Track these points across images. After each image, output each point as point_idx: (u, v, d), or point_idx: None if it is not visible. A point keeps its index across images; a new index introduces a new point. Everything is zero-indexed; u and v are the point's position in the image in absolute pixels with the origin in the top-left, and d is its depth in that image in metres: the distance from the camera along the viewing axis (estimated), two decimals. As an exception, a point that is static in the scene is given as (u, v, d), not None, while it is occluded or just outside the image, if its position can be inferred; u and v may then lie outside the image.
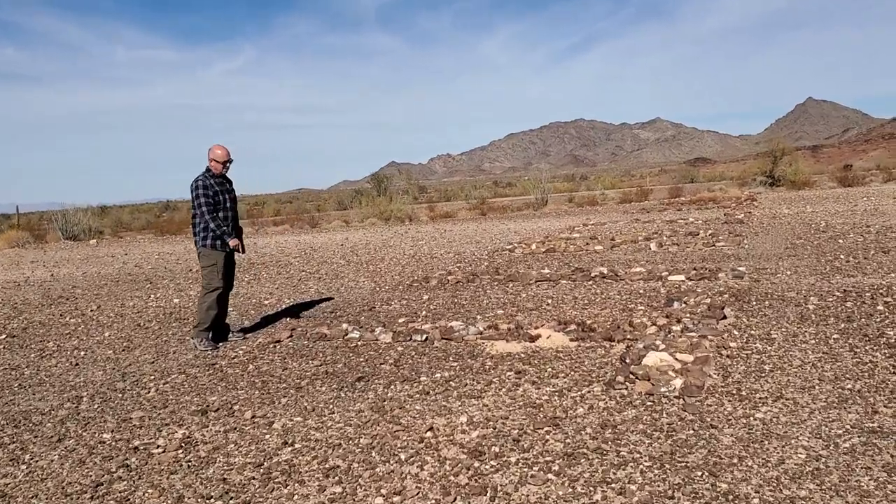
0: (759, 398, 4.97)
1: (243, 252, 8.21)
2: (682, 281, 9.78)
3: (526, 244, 15.24)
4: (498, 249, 15.08)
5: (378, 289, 10.88)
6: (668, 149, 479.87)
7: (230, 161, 8.04)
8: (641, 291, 9.23)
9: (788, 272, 10.03)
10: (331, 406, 5.38)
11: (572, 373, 5.79)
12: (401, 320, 8.32)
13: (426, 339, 7.22)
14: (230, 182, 8.12)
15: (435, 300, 9.55)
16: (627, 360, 5.85)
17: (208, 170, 7.97)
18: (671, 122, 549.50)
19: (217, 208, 7.93)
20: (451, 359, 6.50)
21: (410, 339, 7.27)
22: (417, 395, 5.48)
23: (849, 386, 5.13)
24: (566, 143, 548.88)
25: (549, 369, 5.92)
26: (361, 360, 6.68)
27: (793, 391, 5.07)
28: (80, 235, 33.19)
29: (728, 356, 6.01)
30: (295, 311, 9.46)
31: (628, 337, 6.73)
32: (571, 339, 6.80)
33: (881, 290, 8.22)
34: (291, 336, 7.72)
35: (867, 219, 16.92)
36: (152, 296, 11.78)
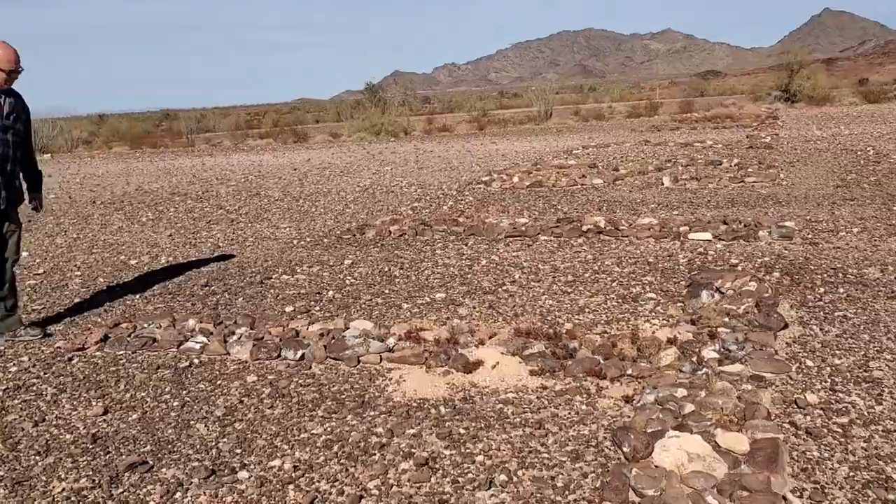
0: None
1: (39, 209, 5.41)
2: (709, 242, 6.95)
3: (508, 174, 12.34)
4: (473, 181, 12.18)
5: (295, 243, 8.07)
6: (678, 61, 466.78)
7: (19, 70, 5.14)
8: (651, 260, 6.41)
9: (855, 229, 7.19)
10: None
11: (518, 475, 3.03)
12: (288, 310, 5.55)
13: (301, 357, 4.46)
14: (17, 100, 5.21)
15: (358, 267, 6.75)
16: (626, 448, 3.10)
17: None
18: (682, 32, 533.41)
19: None
20: (322, 409, 3.77)
21: (279, 355, 4.52)
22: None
23: None
24: (575, 53, 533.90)
25: (479, 457, 3.18)
26: (169, 415, 3.93)
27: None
28: (52, 147, 30.39)
29: (810, 431, 3.26)
30: (155, 281, 6.70)
31: (629, 372, 3.96)
32: (532, 372, 4.03)
33: None
34: (104, 342, 4.95)
35: (925, 145, 13.92)
36: None
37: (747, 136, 17.40)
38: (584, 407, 3.62)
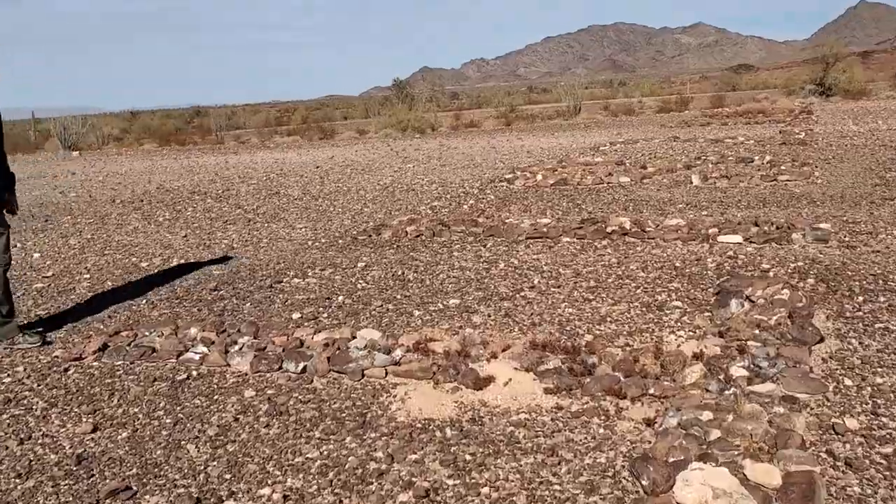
0: None
1: (14, 212, 5.20)
2: (739, 245, 6.62)
3: (532, 172, 12.03)
4: (496, 179, 11.89)
5: (310, 244, 7.85)
6: (710, 55, 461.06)
7: None
8: (678, 264, 6.10)
9: (896, 231, 6.82)
10: None
11: (526, 512, 2.77)
12: (295, 316, 5.32)
13: (303, 369, 4.23)
14: None
15: (372, 270, 6.50)
16: (645, 481, 2.83)
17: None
18: (714, 26, 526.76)
19: None
20: (320, 429, 3.52)
21: (280, 367, 4.29)
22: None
23: None
24: (605, 47, 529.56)
25: (484, 488, 2.92)
26: (160, 434, 3.71)
27: None
28: (82, 144, 30.53)
29: (849, 462, 2.95)
30: (164, 284, 6.51)
31: (651, 391, 3.67)
32: (547, 390, 3.76)
33: None
34: (102, 351, 4.75)
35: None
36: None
37: (780, 132, 16.91)
38: (601, 430, 3.35)
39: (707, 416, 3.30)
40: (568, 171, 11.92)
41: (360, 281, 6.17)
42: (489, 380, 3.86)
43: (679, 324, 4.70)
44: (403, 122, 29.90)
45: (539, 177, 11.37)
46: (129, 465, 3.32)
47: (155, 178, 15.50)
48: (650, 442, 3.19)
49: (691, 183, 10.26)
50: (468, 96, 75.47)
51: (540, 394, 3.73)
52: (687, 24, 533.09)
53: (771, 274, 5.60)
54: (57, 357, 4.75)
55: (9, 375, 4.51)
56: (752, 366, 3.81)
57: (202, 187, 13.40)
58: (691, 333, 4.51)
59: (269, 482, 3.08)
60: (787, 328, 4.30)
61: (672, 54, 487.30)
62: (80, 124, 32.21)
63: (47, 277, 7.02)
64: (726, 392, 3.54)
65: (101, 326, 5.41)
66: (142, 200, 12.08)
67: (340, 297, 5.72)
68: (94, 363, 4.62)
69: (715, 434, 3.13)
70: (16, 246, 8.69)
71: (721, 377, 3.71)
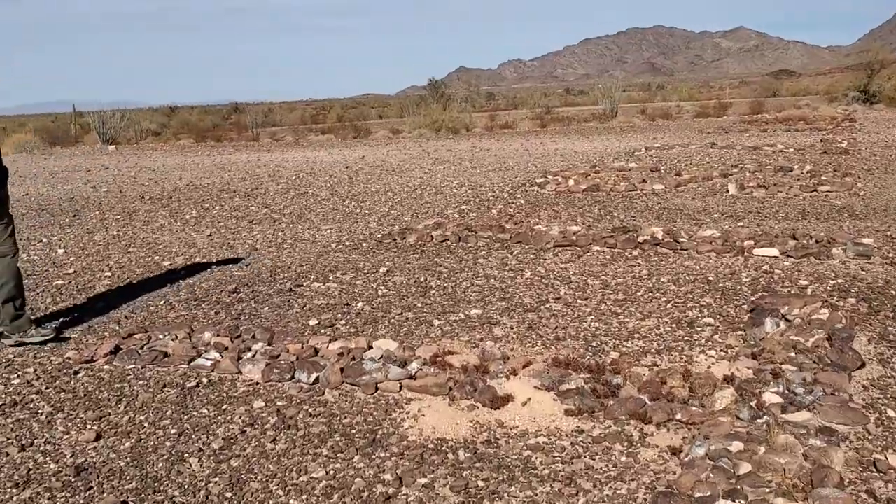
0: None
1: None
2: (776, 259, 6.36)
3: (564, 176, 11.79)
4: (527, 183, 11.68)
5: (334, 246, 7.72)
6: (750, 60, 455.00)
7: None
8: (712, 277, 5.86)
9: (942, 248, 6.51)
10: None
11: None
12: (312, 323, 5.18)
13: (315, 380, 4.08)
14: None
15: (394, 276, 6.35)
16: (668, 519, 2.63)
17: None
18: (755, 31, 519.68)
19: None
20: (328, 446, 3.38)
21: (292, 377, 4.15)
22: None
23: None
24: (644, 50, 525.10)
25: (496, 521, 2.75)
26: (164, 445, 3.59)
27: None
28: (120, 139, 30.78)
29: (893, 503, 2.73)
30: (184, 284, 6.41)
31: (678, 417, 3.46)
32: (568, 412, 3.57)
33: None
34: (114, 354, 4.65)
35: None
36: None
37: (821, 140, 16.48)
38: (623, 458, 3.15)
39: (737, 446, 3.09)
40: (601, 176, 11.68)
41: (381, 287, 6.02)
42: (507, 399, 3.68)
43: (710, 343, 4.48)
44: (438, 123, 29.72)
45: (571, 181, 11.14)
46: (128, 478, 3.19)
47: (186, 175, 15.51)
48: (675, 473, 3.00)
49: (727, 192, 9.97)
50: (504, 97, 75.21)
51: (560, 415, 3.54)
52: (727, 29, 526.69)
53: (809, 291, 5.35)
54: (69, 359, 4.65)
55: (18, 377, 4.42)
56: (786, 392, 3.59)
57: (232, 185, 13.37)
58: (723, 354, 4.29)
59: (271, 503, 2.93)
60: (826, 351, 4.06)
61: (711, 59, 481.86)
62: (118, 119, 32.51)
63: (68, 274, 6.97)
64: (758, 420, 3.33)
65: (117, 327, 5.32)
66: (170, 197, 12.06)
67: (360, 304, 5.57)
68: (106, 366, 4.52)
69: (745, 468, 2.93)
70: (41, 241, 8.68)
71: (753, 403, 3.49)
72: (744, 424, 3.31)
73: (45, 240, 8.76)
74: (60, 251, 8.04)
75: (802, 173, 11.21)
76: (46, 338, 4.93)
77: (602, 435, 3.35)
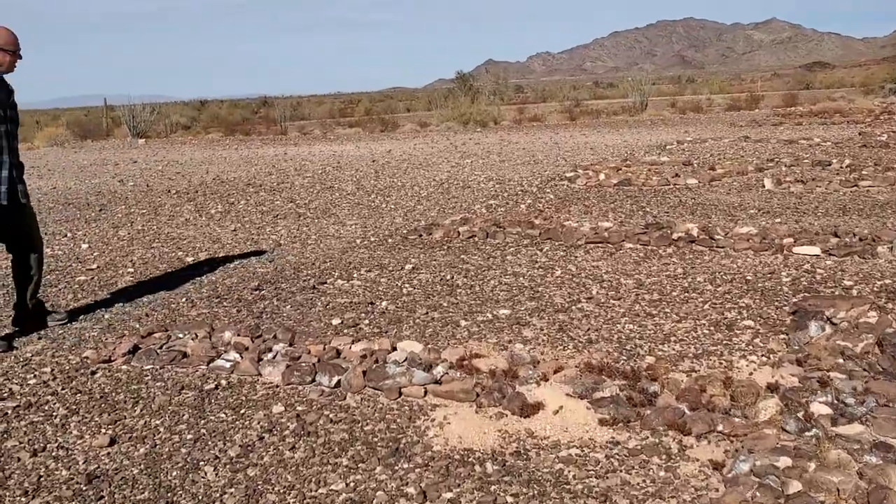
0: None
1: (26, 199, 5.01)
2: (817, 258, 6.10)
3: (595, 170, 11.55)
4: (557, 177, 11.45)
5: (359, 242, 7.57)
6: (783, 52, 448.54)
7: (20, 53, 4.86)
8: (750, 277, 5.63)
9: None
10: None
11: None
12: (335, 322, 5.03)
13: (337, 384, 3.92)
14: (7, 91, 4.90)
15: (420, 273, 6.18)
16: (711, 543, 2.43)
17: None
18: (788, 22, 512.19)
19: None
20: (349, 455, 3.22)
21: (313, 380, 3.99)
22: None
23: None
24: (674, 43, 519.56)
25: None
26: (179, 452, 3.45)
27: None
28: (150, 132, 30.90)
29: (957, 530, 2.51)
30: (207, 281, 6.29)
31: (720, 428, 3.25)
32: (602, 421, 3.37)
33: None
34: (133, 354, 4.53)
35: None
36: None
37: (860, 134, 16.05)
38: (662, 473, 2.96)
39: (785, 462, 2.88)
40: (632, 170, 11.43)
41: (406, 285, 5.85)
42: (538, 406, 3.49)
43: (751, 347, 4.26)
44: (465, 116, 29.50)
45: (602, 176, 10.90)
46: (141, 487, 3.06)
47: (213, 169, 15.47)
48: (717, 490, 2.80)
49: (763, 187, 9.68)
50: (532, 90, 74.72)
51: (594, 425, 3.35)
52: (760, 20, 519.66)
53: (854, 292, 5.10)
54: (87, 358, 4.54)
55: (35, 376, 4.32)
56: (836, 402, 3.37)
57: (258, 179, 13.29)
58: (765, 359, 4.07)
59: (286, 520, 2.78)
60: (877, 358, 3.83)
61: (743, 51, 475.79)
62: (148, 112, 32.63)
63: (91, 270, 6.89)
64: (807, 433, 3.12)
65: (137, 325, 5.21)
66: (196, 191, 11.99)
67: (384, 303, 5.41)
68: (123, 366, 4.40)
69: (794, 486, 2.72)
70: (66, 235, 8.63)
71: (800, 414, 3.28)
72: (791, 437, 3.11)
73: (69, 234, 8.70)
74: (84, 246, 7.98)
75: (841, 167, 10.87)
76: (61, 322, 5.03)
77: (638, 447, 3.16)
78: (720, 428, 3.25)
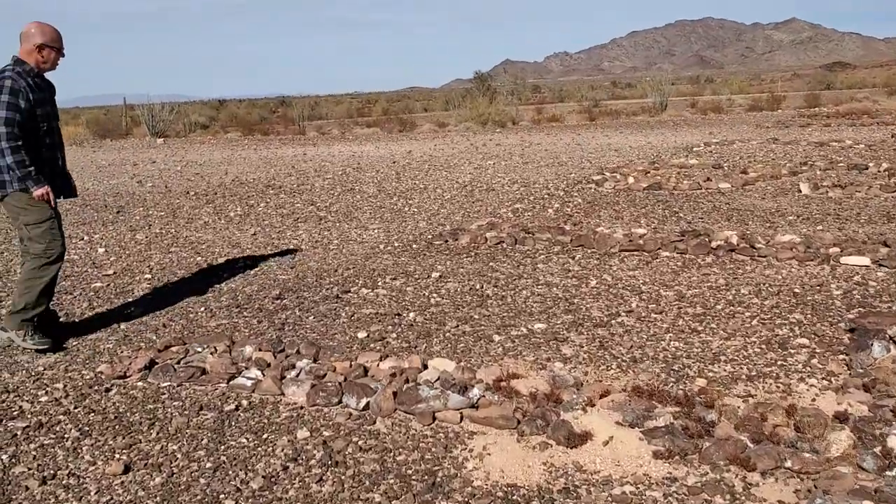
0: None
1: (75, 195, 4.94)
2: (867, 269, 5.78)
3: (623, 173, 11.25)
4: (583, 180, 11.15)
5: (382, 248, 7.31)
6: (803, 52, 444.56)
7: (64, 51, 4.67)
8: (798, 289, 5.32)
9: None
10: None
11: None
12: (361, 335, 4.77)
13: (365, 406, 3.66)
14: (50, 88, 4.72)
15: (447, 282, 5.92)
16: None
17: (19, 63, 4.58)
18: (808, 22, 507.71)
19: (39, 133, 4.62)
20: (381, 490, 2.96)
21: (340, 401, 3.73)
22: None
23: None
24: (692, 43, 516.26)
25: None
26: (197, 482, 3.19)
27: None
28: (169, 132, 30.79)
29: None
30: (226, 289, 6.05)
31: (788, 464, 2.96)
32: (657, 454, 3.09)
33: None
34: (149, 369, 4.29)
35: None
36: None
37: (892, 136, 15.63)
38: (725, 518, 2.67)
39: (862, 506, 2.59)
40: (661, 173, 11.11)
41: (434, 295, 5.58)
42: (586, 436, 3.21)
43: (808, 368, 3.96)
44: (484, 116, 29.21)
45: (630, 179, 10.59)
46: (156, 523, 2.81)
47: (232, 170, 15.27)
48: (792, 538, 2.51)
49: (800, 191, 9.34)
50: (550, 90, 74.31)
51: (648, 458, 3.07)
52: (780, 20, 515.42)
53: (913, 306, 4.78)
54: (101, 373, 4.31)
55: (46, 393, 4.08)
56: (913, 438, 3.07)
57: (277, 181, 13.06)
58: (826, 382, 3.77)
59: (316, 565, 2.52)
60: (950, 385, 3.52)
61: (762, 51, 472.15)
62: (166, 112, 32.53)
63: (107, 276, 6.67)
64: (888, 474, 2.82)
65: (154, 336, 4.97)
66: (215, 193, 11.78)
67: (412, 314, 5.14)
68: (139, 383, 4.16)
69: (880, 536, 2.43)
70: (83, 239, 8.43)
71: (877, 450, 2.98)
72: (870, 477, 2.82)
73: (86, 237, 8.50)
74: (101, 250, 7.76)
75: (879, 171, 10.51)
76: (39, 346, 4.68)
77: (699, 484, 2.87)
78: (788, 464, 2.96)
